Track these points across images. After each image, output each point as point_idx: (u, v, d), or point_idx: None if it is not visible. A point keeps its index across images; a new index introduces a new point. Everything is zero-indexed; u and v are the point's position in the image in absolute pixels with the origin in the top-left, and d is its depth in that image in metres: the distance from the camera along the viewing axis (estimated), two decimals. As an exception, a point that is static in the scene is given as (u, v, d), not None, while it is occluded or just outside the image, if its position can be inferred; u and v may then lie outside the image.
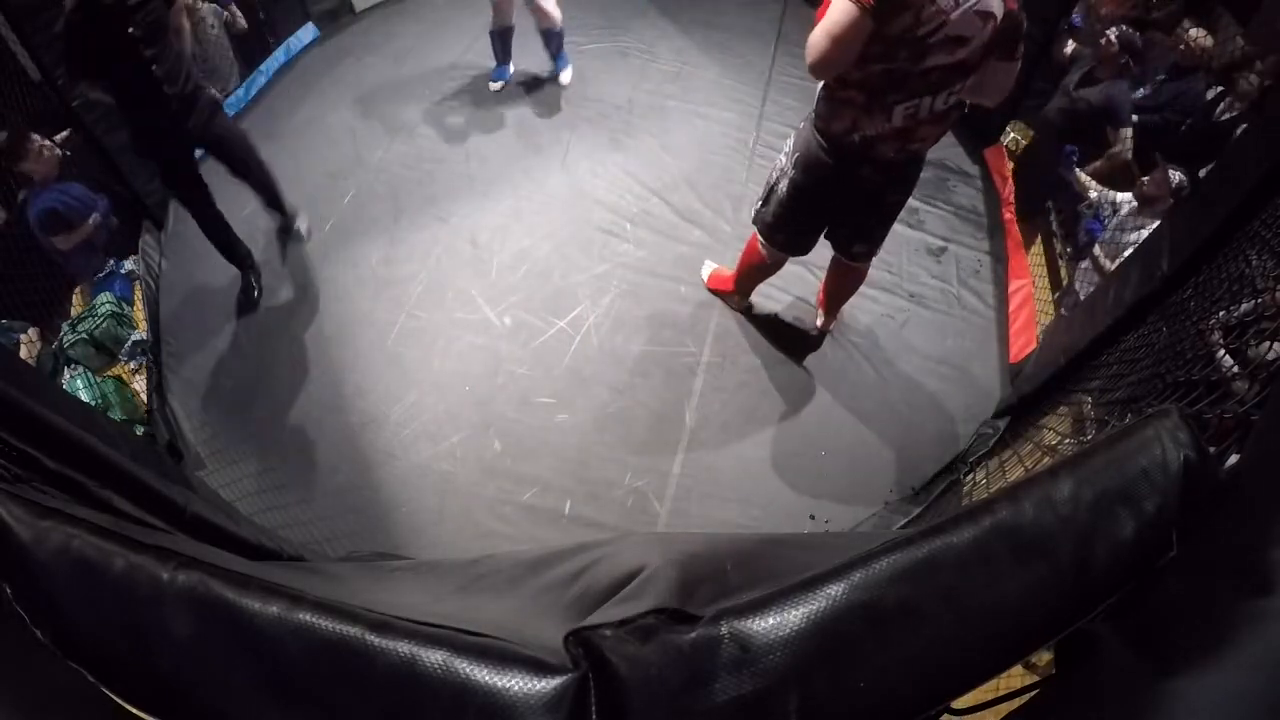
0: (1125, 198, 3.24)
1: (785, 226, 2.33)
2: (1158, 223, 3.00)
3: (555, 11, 3.52)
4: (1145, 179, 3.10)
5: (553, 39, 3.74)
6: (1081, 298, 3.22)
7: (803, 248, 2.44)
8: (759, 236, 2.46)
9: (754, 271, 2.69)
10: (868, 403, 2.73)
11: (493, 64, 3.89)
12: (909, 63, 1.71)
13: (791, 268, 2.97)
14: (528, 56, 3.91)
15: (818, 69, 1.77)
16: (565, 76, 3.90)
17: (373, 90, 3.90)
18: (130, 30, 2.19)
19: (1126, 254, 2.97)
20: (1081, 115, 3.57)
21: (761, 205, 2.38)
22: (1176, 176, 3.25)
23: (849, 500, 2.49)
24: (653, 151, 3.57)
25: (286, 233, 3.18)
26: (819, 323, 2.87)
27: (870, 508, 2.48)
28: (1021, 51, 1.79)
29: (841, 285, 2.64)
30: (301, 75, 4.07)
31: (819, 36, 1.71)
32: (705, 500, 2.47)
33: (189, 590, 0.57)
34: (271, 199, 3.02)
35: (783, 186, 2.23)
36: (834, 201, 2.17)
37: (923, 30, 1.65)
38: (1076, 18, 3.58)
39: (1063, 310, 3.26)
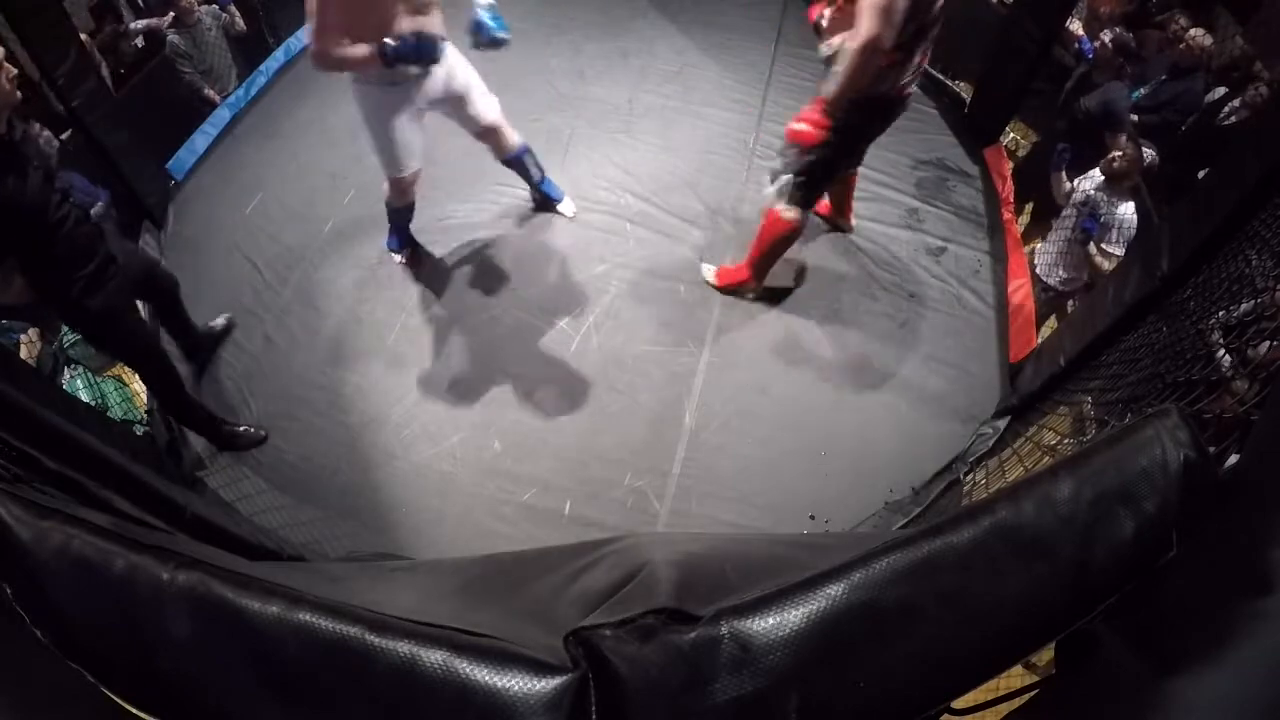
0: (1092, 173, 3.22)
1: (820, 185, 2.56)
2: (1129, 202, 3.03)
3: (511, 131, 2.80)
4: (1116, 154, 3.08)
5: (522, 163, 2.99)
6: (1043, 277, 3.38)
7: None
8: (797, 209, 2.51)
9: (780, 246, 2.71)
10: (868, 403, 2.72)
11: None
12: (929, 7, 2.01)
13: (788, 267, 2.98)
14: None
15: (871, 49, 1.96)
16: (568, 208, 3.23)
17: (373, 90, 3.89)
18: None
19: (1111, 235, 3.04)
20: (1080, 123, 3.57)
21: (796, 176, 2.44)
22: (1148, 154, 3.24)
23: (849, 500, 2.49)
24: (653, 151, 3.56)
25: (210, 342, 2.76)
26: (841, 222, 3.20)
27: (870, 508, 2.47)
28: None
29: (843, 192, 3.07)
30: (301, 75, 4.06)
31: (873, 20, 1.90)
32: (705, 500, 2.47)
33: (189, 590, 0.57)
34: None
35: (822, 153, 2.35)
36: (862, 146, 2.54)
37: None
38: (1087, 44, 3.61)
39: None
